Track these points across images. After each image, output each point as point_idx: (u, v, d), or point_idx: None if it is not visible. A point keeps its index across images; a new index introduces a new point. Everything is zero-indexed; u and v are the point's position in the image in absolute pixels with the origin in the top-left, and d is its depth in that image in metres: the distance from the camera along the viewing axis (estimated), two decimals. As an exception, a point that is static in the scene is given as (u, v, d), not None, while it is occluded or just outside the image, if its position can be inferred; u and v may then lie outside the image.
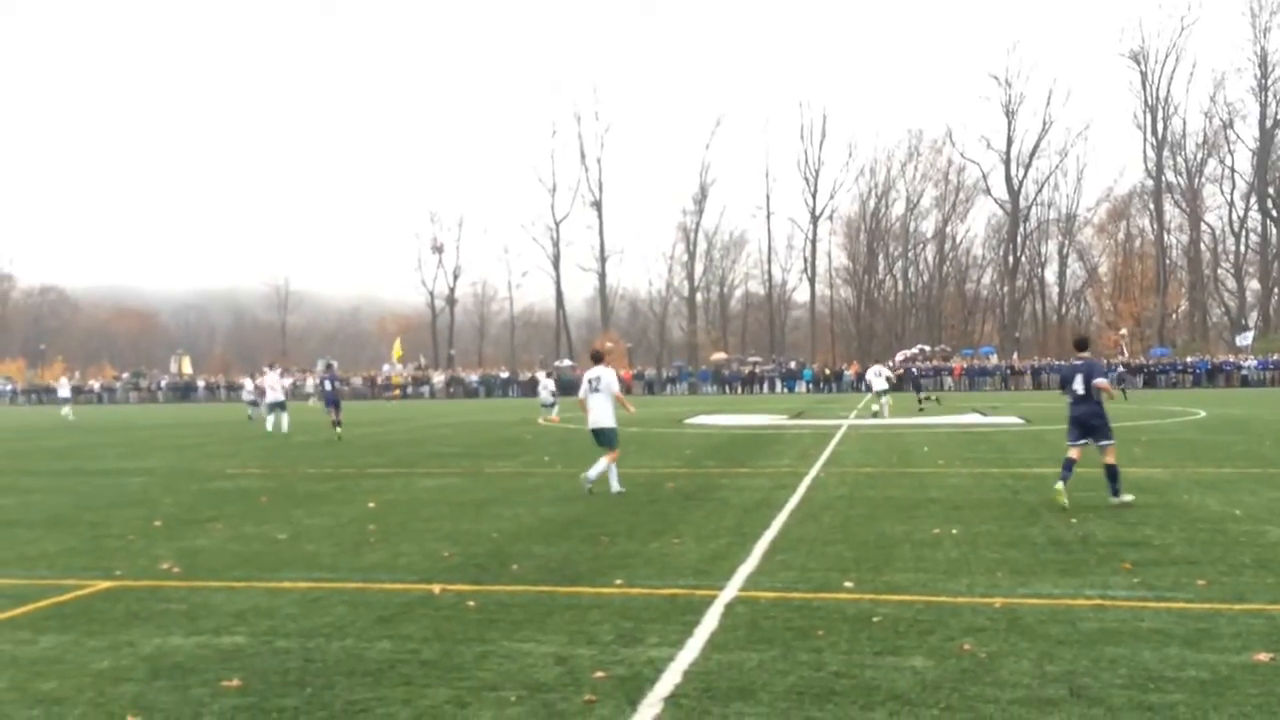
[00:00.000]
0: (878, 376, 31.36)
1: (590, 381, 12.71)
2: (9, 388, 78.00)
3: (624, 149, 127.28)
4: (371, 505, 11.92)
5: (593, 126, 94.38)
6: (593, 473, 12.44)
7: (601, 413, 12.63)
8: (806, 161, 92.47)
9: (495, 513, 11.15)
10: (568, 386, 50.80)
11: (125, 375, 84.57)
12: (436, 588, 7.27)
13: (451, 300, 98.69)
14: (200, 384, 77.11)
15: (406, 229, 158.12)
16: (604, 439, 12.65)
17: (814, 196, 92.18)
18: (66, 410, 44.55)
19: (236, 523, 10.79)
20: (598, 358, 13.15)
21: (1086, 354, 11.24)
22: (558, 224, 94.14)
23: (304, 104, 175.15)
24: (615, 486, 12.45)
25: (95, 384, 78.16)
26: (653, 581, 7.38)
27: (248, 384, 37.73)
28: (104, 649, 5.82)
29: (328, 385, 27.16)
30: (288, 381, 28.20)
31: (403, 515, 11.12)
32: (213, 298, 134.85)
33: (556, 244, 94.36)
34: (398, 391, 69.76)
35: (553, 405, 34.19)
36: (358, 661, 5.49)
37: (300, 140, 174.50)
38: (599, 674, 5.17)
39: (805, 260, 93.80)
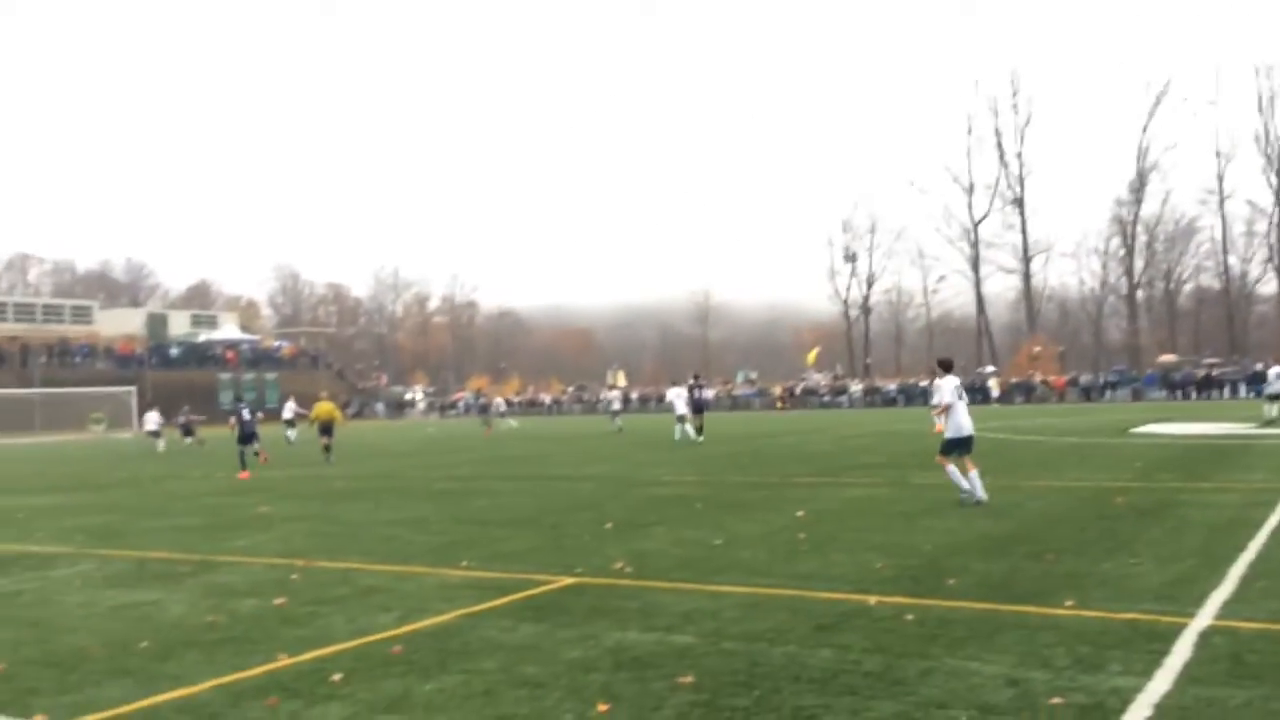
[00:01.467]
0: None
1: (958, 389, 12.68)
2: (480, 401, 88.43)
3: (1047, 140, 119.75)
4: (800, 514, 12.11)
5: (1011, 120, 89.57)
6: (980, 490, 12.15)
7: (970, 420, 12.58)
8: (1267, 136, 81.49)
9: (927, 525, 10.90)
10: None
11: (570, 389, 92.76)
12: (873, 599, 7.22)
13: (866, 308, 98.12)
14: (633, 396, 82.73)
15: (818, 237, 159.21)
16: (972, 445, 12.61)
17: (1278, 175, 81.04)
18: (510, 422, 49.10)
19: (676, 527, 11.42)
20: (949, 366, 13.12)
21: None
22: (976, 225, 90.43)
23: (712, 117, 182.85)
24: (983, 495, 12.16)
25: (546, 398, 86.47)
26: (1109, 604, 6.82)
27: (287, 408, 38.07)
28: (573, 640, 6.40)
29: (696, 393, 30.21)
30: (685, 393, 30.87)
31: (832, 525, 11.19)
32: (641, 314, 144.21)
33: (975, 245, 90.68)
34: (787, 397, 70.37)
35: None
36: (801, 668, 5.58)
37: (709, 150, 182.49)
38: (1056, 699, 4.87)
39: (1271, 248, 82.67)
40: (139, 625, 7.31)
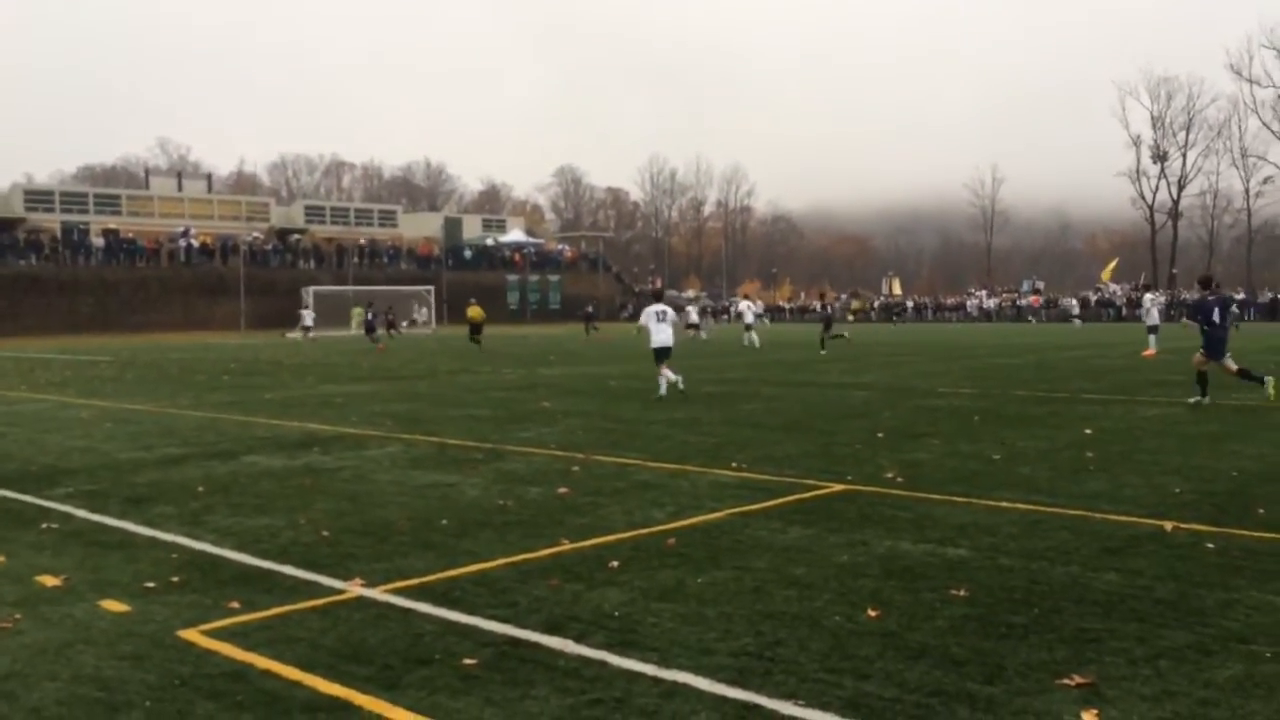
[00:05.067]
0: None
1: (659, 314, 16.49)
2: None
3: None
4: (1088, 431, 11.45)
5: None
6: (665, 383, 16.12)
7: (669, 336, 16.45)
8: None
9: (1233, 449, 10.03)
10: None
11: (843, 296, 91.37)
12: (1168, 524, 6.76)
13: (1175, 214, 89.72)
14: (909, 304, 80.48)
15: (1119, 137, 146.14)
16: (668, 355, 16.43)
17: None
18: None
19: (951, 439, 11.10)
20: (660, 295, 18.39)
21: None
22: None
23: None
24: (663, 391, 16.09)
25: (817, 304, 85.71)
26: None
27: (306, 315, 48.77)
28: (842, 545, 6.41)
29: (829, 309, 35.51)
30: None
31: (1124, 444, 10.52)
32: (919, 219, 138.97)
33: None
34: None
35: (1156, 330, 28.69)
36: (1084, 590, 5.34)
37: (995, 39, 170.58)
38: (1381, 646, 4.41)
39: None
40: (440, 504, 7.99)
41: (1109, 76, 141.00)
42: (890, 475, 8.86)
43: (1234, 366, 14.13)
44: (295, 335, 46.96)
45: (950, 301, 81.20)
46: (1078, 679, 4.07)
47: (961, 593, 5.31)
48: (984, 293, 78.80)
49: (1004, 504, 7.58)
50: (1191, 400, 14.08)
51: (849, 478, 8.77)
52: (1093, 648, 4.46)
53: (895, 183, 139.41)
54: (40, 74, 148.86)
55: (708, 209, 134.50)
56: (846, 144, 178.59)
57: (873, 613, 5.01)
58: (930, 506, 7.55)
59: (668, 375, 16.18)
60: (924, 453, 10.21)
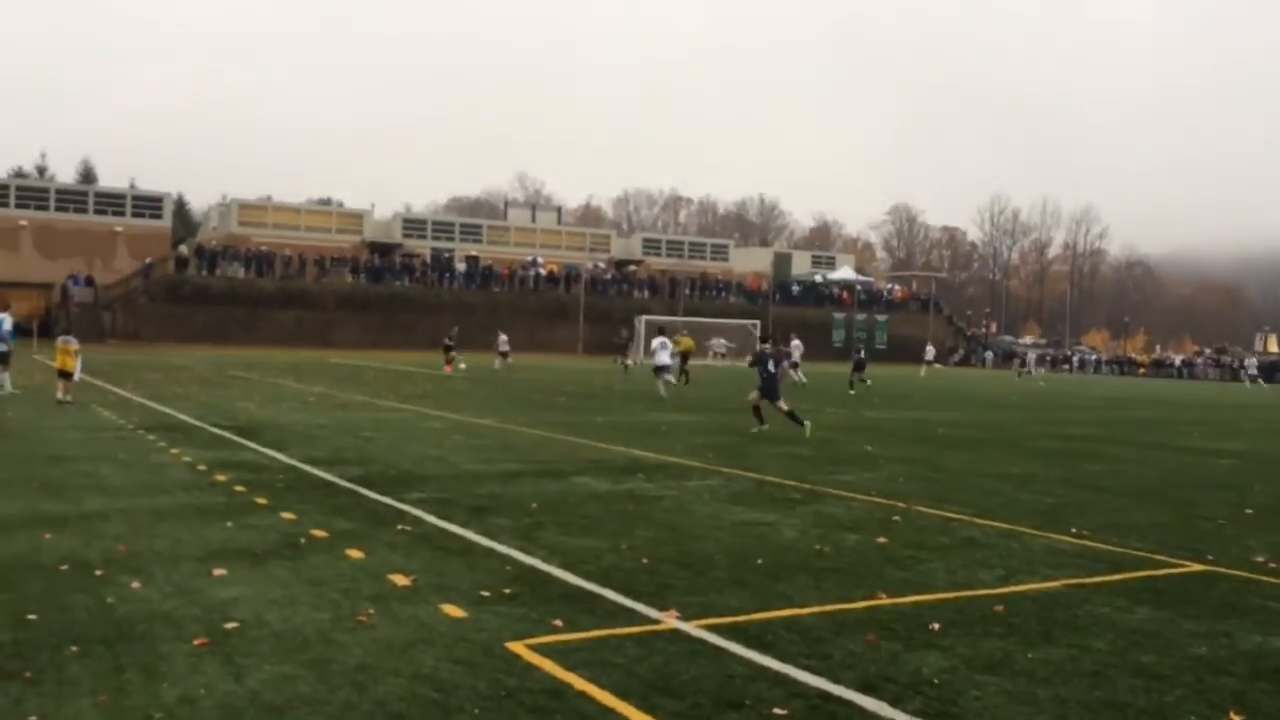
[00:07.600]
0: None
1: (661, 343, 25.15)
2: (1094, 357, 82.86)
3: None
4: None
5: None
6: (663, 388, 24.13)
7: (668, 358, 25.37)
8: None
9: None
10: None
11: (1206, 351, 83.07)
12: None
13: None
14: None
15: None
16: (667, 370, 25.40)
17: None
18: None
19: (1340, 524, 9.68)
20: (661, 330, 26.56)
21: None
22: None
23: None
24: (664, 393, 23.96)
25: (1176, 358, 78.49)
26: None
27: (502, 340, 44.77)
28: (1200, 634, 5.72)
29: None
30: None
31: None
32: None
33: None
34: None
35: None
36: None
37: None
38: None
39: None
40: (756, 543, 7.96)
41: None
42: (1261, 559, 7.84)
43: (785, 407, 16.85)
44: (628, 362, 48.18)
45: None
46: None
47: (1352, 708, 4.57)
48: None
49: None
50: (754, 429, 16.52)
51: (1209, 557, 7.86)
52: None
53: (1273, 226, 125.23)
54: (425, 117, 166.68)
55: (1053, 251, 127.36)
56: (1214, 184, 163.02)
57: (1235, 718, 4.41)
58: (1312, 600, 6.60)
59: (668, 380, 24.72)
60: (1306, 536, 8.97)
